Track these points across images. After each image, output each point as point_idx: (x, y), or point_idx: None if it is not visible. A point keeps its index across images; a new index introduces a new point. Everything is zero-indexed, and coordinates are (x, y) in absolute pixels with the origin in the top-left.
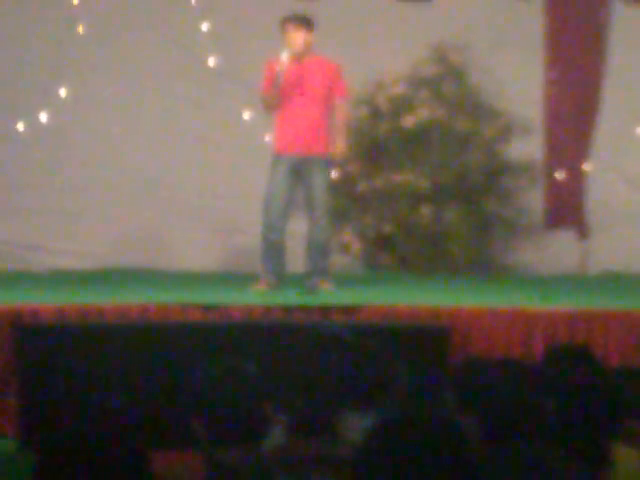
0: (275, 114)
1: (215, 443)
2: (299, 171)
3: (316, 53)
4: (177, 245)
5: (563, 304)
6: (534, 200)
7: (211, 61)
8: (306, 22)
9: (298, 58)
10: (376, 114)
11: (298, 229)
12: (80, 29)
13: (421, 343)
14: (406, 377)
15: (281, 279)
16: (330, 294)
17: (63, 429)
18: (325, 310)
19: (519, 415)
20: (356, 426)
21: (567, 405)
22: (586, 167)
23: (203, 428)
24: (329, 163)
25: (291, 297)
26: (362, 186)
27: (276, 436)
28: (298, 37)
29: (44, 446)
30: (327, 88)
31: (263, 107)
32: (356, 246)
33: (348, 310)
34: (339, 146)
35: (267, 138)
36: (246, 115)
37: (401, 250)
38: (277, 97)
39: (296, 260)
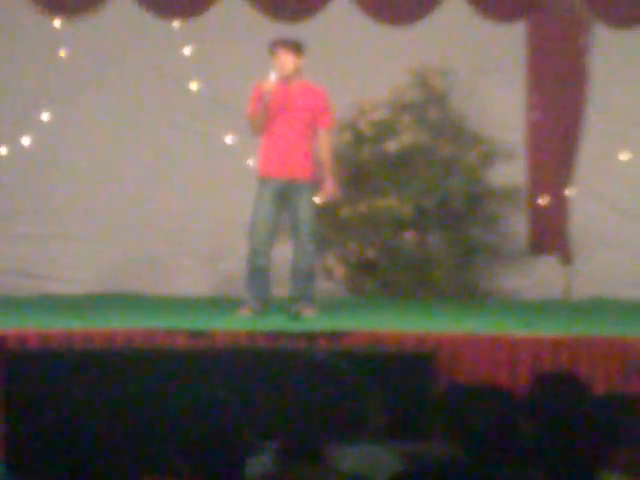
0: (261, 137)
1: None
2: (285, 195)
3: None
4: (164, 270)
5: (548, 330)
6: (518, 225)
7: (193, 85)
8: (296, 46)
9: (286, 81)
10: (359, 139)
11: (282, 254)
12: (62, 53)
13: (406, 369)
14: (381, 407)
15: (266, 304)
16: (315, 320)
17: (51, 454)
18: (310, 336)
19: (505, 442)
20: (344, 453)
21: (555, 432)
22: (569, 192)
23: (182, 461)
24: (313, 189)
25: (276, 323)
26: (345, 211)
27: (262, 463)
28: (287, 60)
29: (33, 471)
30: (313, 114)
31: (250, 129)
32: (340, 271)
33: (333, 336)
34: (329, 186)
35: (250, 162)
36: (229, 139)
37: (385, 275)
38: (264, 118)
39: (280, 285)
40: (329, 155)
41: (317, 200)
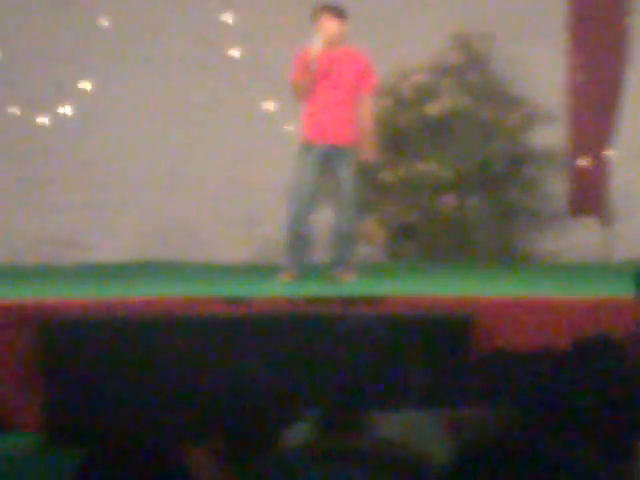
0: (304, 103)
1: (235, 451)
2: (327, 160)
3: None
4: (204, 238)
5: (588, 292)
6: (557, 188)
7: (233, 52)
8: (340, 11)
9: (330, 47)
10: (400, 103)
11: (321, 219)
12: (103, 22)
13: (445, 333)
14: (423, 373)
15: (304, 270)
16: (354, 285)
17: (90, 424)
18: (349, 301)
19: (549, 407)
20: (386, 422)
21: (595, 398)
22: (609, 154)
23: (220, 430)
24: (356, 154)
25: (315, 288)
26: (385, 175)
27: (302, 432)
28: (332, 26)
29: (71, 441)
30: (356, 80)
31: (294, 95)
32: (379, 235)
33: (372, 301)
34: (369, 149)
35: (289, 128)
36: (268, 105)
37: (424, 239)
38: (309, 85)
39: (319, 249)
40: (370, 120)
41: (357, 163)
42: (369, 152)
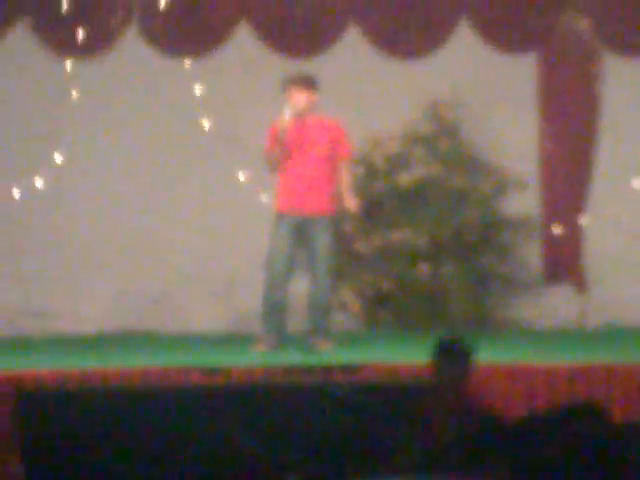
0: (277, 174)
1: None
2: (302, 231)
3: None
4: (178, 308)
5: (563, 359)
6: (532, 255)
7: (205, 123)
8: (309, 82)
9: (301, 117)
10: (372, 172)
11: (297, 288)
12: (74, 94)
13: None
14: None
15: (282, 339)
16: (331, 353)
17: None
18: (327, 370)
19: (533, 473)
20: None
21: (575, 461)
22: (583, 221)
23: None
24: (331, 223)
25: (292, 357)
26: (360, 245)
27: None
28: (301, 97)
29: None
30: (330, 148)
31: (267, 166)
32: (355, 304)
33: (349, 369)
34: (350, 201)
35: (263, 198)
36: (242, 176)
37: (400, 307)
38: (281, 156)
39: (295, 319)
40: (348, 177)
41: (332, 233)
42: (351, 204)
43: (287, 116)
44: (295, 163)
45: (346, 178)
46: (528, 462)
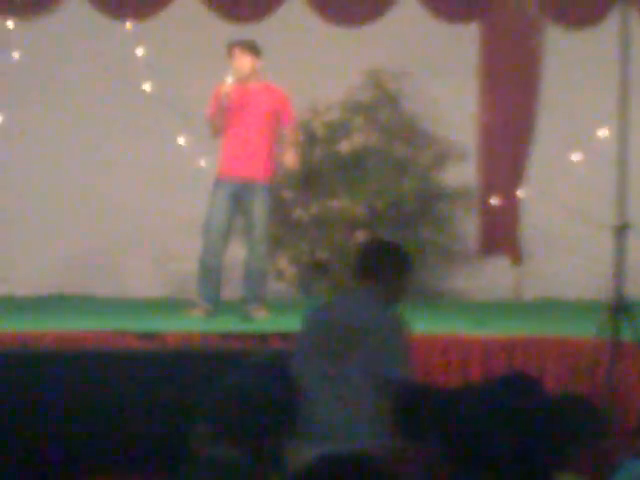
0: (220, 138)
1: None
2: (240, 196)
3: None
4: (115, 272)
5: (499, 330)
6: (469, 226)
7: (146, 86)
8: (253, 47)
9: (244, 82)
10: (312, 140)
11: (234, 255)
12: (15, 55)
13: None
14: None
15: (217, 305)
16: (266, 321)
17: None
18: (262, 337)
19: (468, 444)
20: (297, 455)
21: (512, 434)
22: (520, 193)
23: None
24: (270, 190)
25: (228, 323)
26: (297, 212)
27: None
28: (244, 62)
29: None
30: (273, 114)
31: (210, 131)
32: (291, 272)
33: (284, 337)
34: (289, 156)
35: (202, 163)
36: (181, 140)
37: (336, 276)
38: (223, 120)
39: (231, 286)
40: (292, 143)
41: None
42: (290, 160)
43: (230, 81)
44: (237, 128)
45: (290, 139)
46: (459, 433)
